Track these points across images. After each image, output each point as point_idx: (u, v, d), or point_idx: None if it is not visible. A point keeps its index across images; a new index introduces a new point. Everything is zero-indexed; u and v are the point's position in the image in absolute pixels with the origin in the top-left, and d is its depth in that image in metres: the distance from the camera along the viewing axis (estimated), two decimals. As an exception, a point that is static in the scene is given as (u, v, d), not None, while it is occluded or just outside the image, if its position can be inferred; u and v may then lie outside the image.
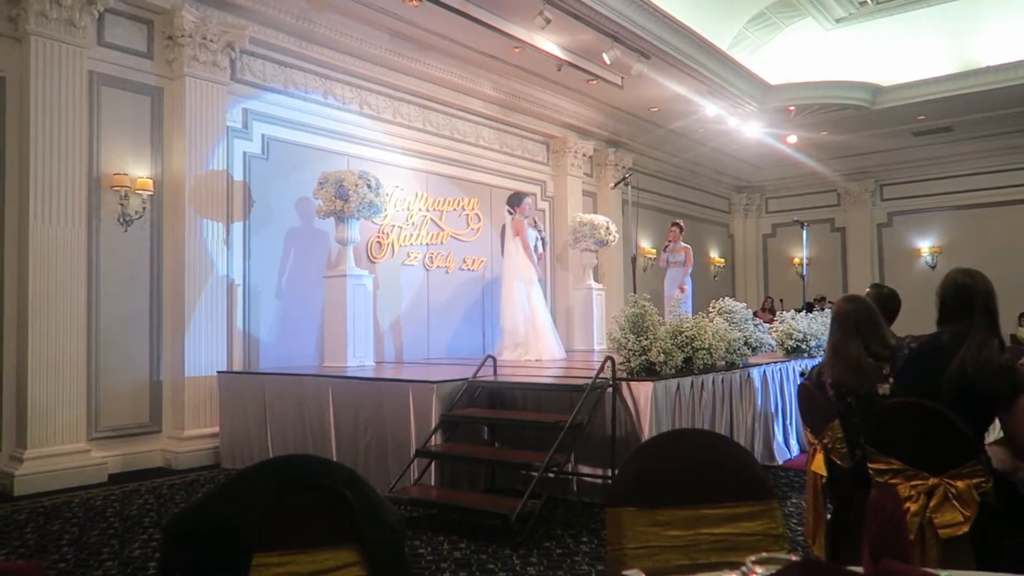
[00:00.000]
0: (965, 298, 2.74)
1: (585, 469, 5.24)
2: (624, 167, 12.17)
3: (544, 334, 7.98)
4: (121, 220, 6.48)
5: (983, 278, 2.78)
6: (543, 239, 9.06)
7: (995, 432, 2.83)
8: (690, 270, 10.46)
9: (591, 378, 4.96)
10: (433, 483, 5.14)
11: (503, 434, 5.52)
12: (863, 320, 3.30)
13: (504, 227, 8.67)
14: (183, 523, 1.36)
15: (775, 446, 6.47)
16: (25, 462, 5.64)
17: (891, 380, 3.11)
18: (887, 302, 4.08)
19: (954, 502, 2.46)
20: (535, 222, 8.89)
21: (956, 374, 2.60)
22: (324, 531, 1.37)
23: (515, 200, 8.37)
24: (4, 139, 5.93)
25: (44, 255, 5.85)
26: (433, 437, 5.09)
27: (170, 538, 1.34)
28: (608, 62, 8.80)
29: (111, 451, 6.25)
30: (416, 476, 5.06)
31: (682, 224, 10.77)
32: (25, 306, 5.79)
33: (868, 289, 4.24)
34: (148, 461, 6.50)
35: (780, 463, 6.34)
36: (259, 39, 7.38)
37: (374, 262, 8.60)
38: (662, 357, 5.21)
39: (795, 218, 11.90)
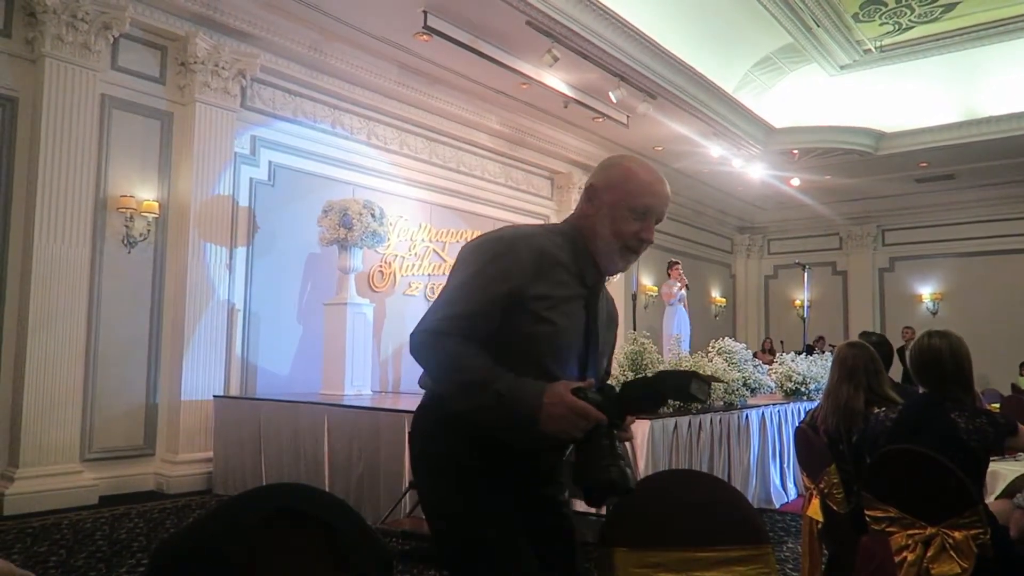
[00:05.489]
0: (935, 362, 2.76)
1: (580, 505, 5.18)
2: (628, 204, 12.20)
3: None
4: (125, 242, 6.51)
5: (955, 340, 2.79)
6: None
7: (995, 493, 2.81)
8: (685, 292, 10.48)
9: (588, 414, 4.92)
10: (426, 516, 5.08)
11: (498, 468, 5.46)
12: (859, 366, 3.31)
13: None
14: (171, 549, 1.35)
15: (772, 489, 6.41)
16: (16, 481, 5.59)
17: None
18: (878, 350, 4.08)
19: (951, 552, 2.44)
20: None
21: (949, 434, 2.59)
22: (312, 562, 1.36)
23: None
24: (13, 158, 5.99)
25: (47, 273, 5.87)
26: (428, 469, 5.04)
27: (157, 564, 1.33)
28: (614, 101, 8.90)
29: (103, 473, 6.20)
30: (409, 508, 5.01)
31: (677, 262, 10.81)
32: (25, 323, 5.80)
33: (857, 338, 4.23)
34: (140, 484, 6.45)
35: (777, 507, 6.28)
36: (270, 68, 7.48)
37: (376, 291, 8.61)
38: (660, 395, 5.18)
39: (797, 260, 11.92)
